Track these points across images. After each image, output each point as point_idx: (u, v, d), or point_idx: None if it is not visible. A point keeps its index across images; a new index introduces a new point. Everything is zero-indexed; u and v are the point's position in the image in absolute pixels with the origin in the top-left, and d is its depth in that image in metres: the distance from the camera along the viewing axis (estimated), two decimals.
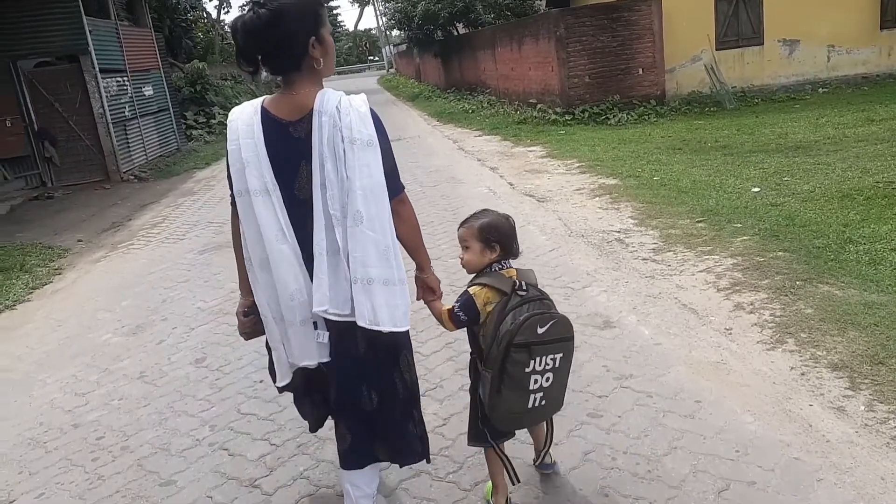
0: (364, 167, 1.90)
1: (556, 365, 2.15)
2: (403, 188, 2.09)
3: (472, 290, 2.20)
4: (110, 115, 12.33)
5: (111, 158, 12.35)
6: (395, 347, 2.11)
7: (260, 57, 1.97)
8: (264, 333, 2.18)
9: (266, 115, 1.99)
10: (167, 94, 15.83)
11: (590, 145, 10.46)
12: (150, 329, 4.70)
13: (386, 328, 1.95)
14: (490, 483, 2.44)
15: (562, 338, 2.15)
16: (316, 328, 2.02)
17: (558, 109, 13.66)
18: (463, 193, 7.88)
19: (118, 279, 6.08)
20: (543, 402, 2.17)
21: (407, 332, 2.10)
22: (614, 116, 13.01)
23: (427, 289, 2.29)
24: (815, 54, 13.87)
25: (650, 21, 13.25)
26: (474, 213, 2.33)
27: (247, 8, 2.04)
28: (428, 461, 2.32)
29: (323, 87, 2.01)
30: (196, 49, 26.50)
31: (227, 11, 39.44)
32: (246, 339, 2.34)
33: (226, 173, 2.06)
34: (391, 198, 2.00)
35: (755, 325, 3.66)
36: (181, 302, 5.20)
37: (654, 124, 12.28)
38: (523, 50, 15.89)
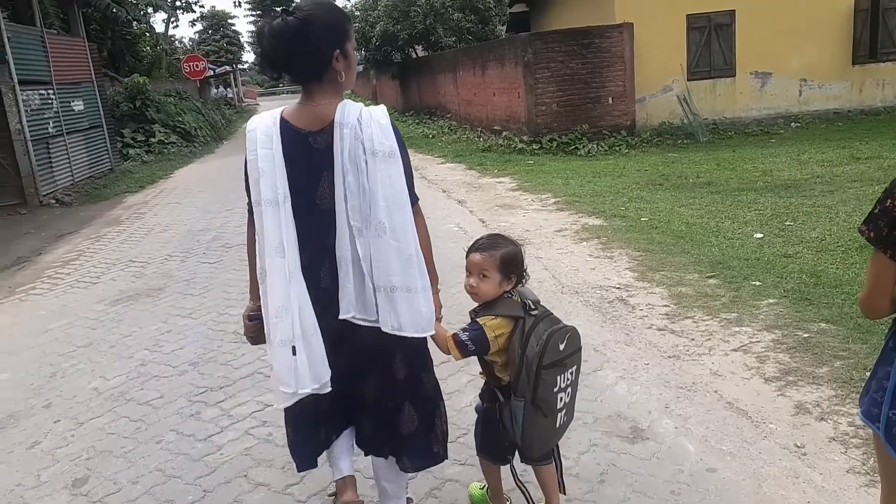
0: (386, 178, 1.91)
1: (574, 378, 2.18)
2: (418, 199, 2.07)
3: (483, 321, 2.11)
4: (30, 131, 10.97)
5: (29, 180, 10.96)
6: (422, 350, 2.13)
7: (282, 65, 1.97)
8: None
9: (285, 125, 1.98)
10: (101, 109, 14.48)
11: (563, 178, 9.67)
12: (24, 421, 3.55)
13: (409, 333, 1.97)
14: (473, 486, 2.55)
15: (576, 349, 2.16)
16: (294, 353, 1.93)
17: (525, 138, 12.89)
18: (429, 231, 6.90)
19: (2, 340, 4.88)
20: (565, 418, 2.20)
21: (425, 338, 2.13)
22: (584, 147, 12.31)
23: None
24: (788, 88, 13.49)
25: (622, 48, 12.64)
26: (488, 238, 2.24)
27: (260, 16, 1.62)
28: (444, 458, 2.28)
29: (343, 100, 1.99)
30: (141, 64, 25.00)
31: (176, 26, 38.06)
32: (253, 344, 2.30)
33: (244, 182, 2.03)
34: None
35: (833, 440, 2.77)
36: (75, 378, 4.05)
37: (626, 156, 11.62)
38: (487, 75, 15.13)
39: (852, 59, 13.44)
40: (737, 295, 4.50)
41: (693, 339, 3.86)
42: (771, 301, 4.35)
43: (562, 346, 2.07)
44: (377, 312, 1.97)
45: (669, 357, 3.65)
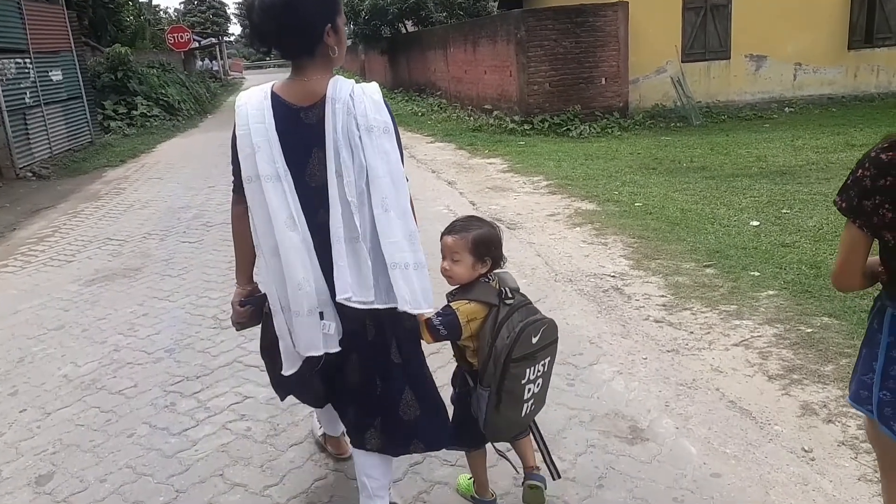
0: (383, 154, 1.88)
1: (546, 369, 2.14)
2: (408, 178, 2.01)
3: (456, 305, 2.06)
4: (5, 101, 10.60)
5: (4, 152, 10.61)
6: (416, 332, 2.07)
7: (273, 39, 1.92)
8: (258, 324, 2.20)
9: (276, 100, 1.94)
10: (80, 80, 14.03)
11: (555, 160, 9.49)
12: None
13: (424, 310, 1.95)
14: (462, 477, 2.48)
15: (551, 341, 2.11)
16: (322, 318, 1.94)
17: (516, 118, 12.67)
18: (417, 213, 6.64)
19: None
20: (534, 407, 2.16)
21: None
22: (576, 128, 12.12)
23: None
24: (782, 72, 13.34)
25: (616, 28, 12.41)
26: (462, 220, 2.19)
27: None
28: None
29: (334, 75, 1.95)
30: (124, 34, 24.35)
31: None
32: (238, 330, 2.29)
33: (230, 158, 2.01)
34: None
35: (843, 444, 2.64)
36: (44, 363, 3.85)
37: (618, 138, 11.44)
38: (478, 52, 14.85)
39: (848, 44, 13.29)
40: (735, 286, 4.37)
41: (692, 333, 3.71)
42: (771, 293, 4.22)
43: (535, 340, 2.03)
44: (376, 293, 1.91)
45: (668, 351, 3.51)
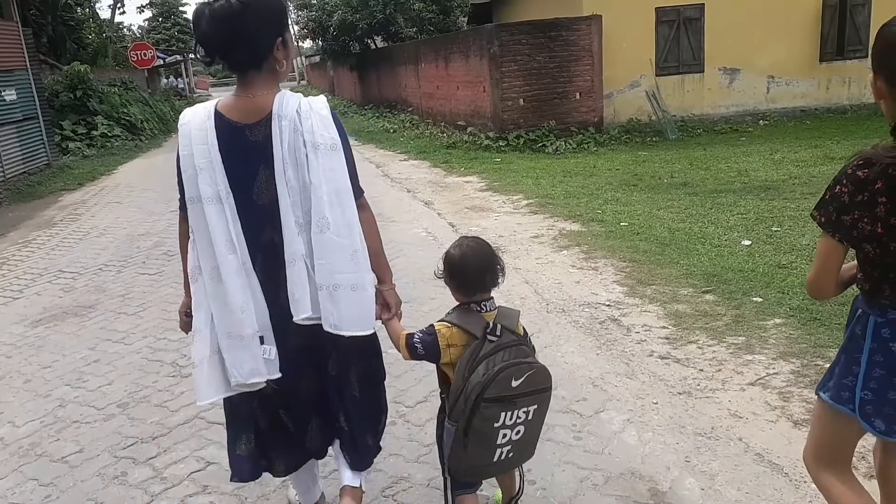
0: (329, 171, 1.85)
1: (529, 417, 1.94)
2: (363, 192, 1.99)
3: (439, 326, 1.98)
4: None
5: None
6: (363, 352, 2.06)
7: (221, 50, 1.87)
8: None
9: (220, 119, 1.89)
10: (37, 99, 13.41)
11: (533, 177, 9.23)
12: None
13: (348, 332, 1.89)
14: None
15: (537, 390, 1.92)
16: (262, 343, 1.91)
17: (491, 134, 12.41)
18: (395, 237, 6.32)
19: None
20: (511, 455, 1.98)
21: (375, 335, 2.07)
22: (552, 144, 11.89)
23: (384, 304, 2.13)
24: (755, 84, 13.30)
25: (590, 42, 12.25)
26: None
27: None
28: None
29: (280, 90, 1.91)
30: (85, 52, 23.65)
31: (123, 12, 36.46)
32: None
33: (176, 178, 1.93)
34: None
35: None
36: None
37: (595, 154, 11.24)
38: (451, 67, 14.60)
39: (819, 57, 13.32)
40: (739, 313, 4.09)
41: (702, 370, 3.41)
42: (778, 321, 3.94)
43: (515, 384, 1.88)
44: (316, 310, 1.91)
45: (680, 393, 3.18)
